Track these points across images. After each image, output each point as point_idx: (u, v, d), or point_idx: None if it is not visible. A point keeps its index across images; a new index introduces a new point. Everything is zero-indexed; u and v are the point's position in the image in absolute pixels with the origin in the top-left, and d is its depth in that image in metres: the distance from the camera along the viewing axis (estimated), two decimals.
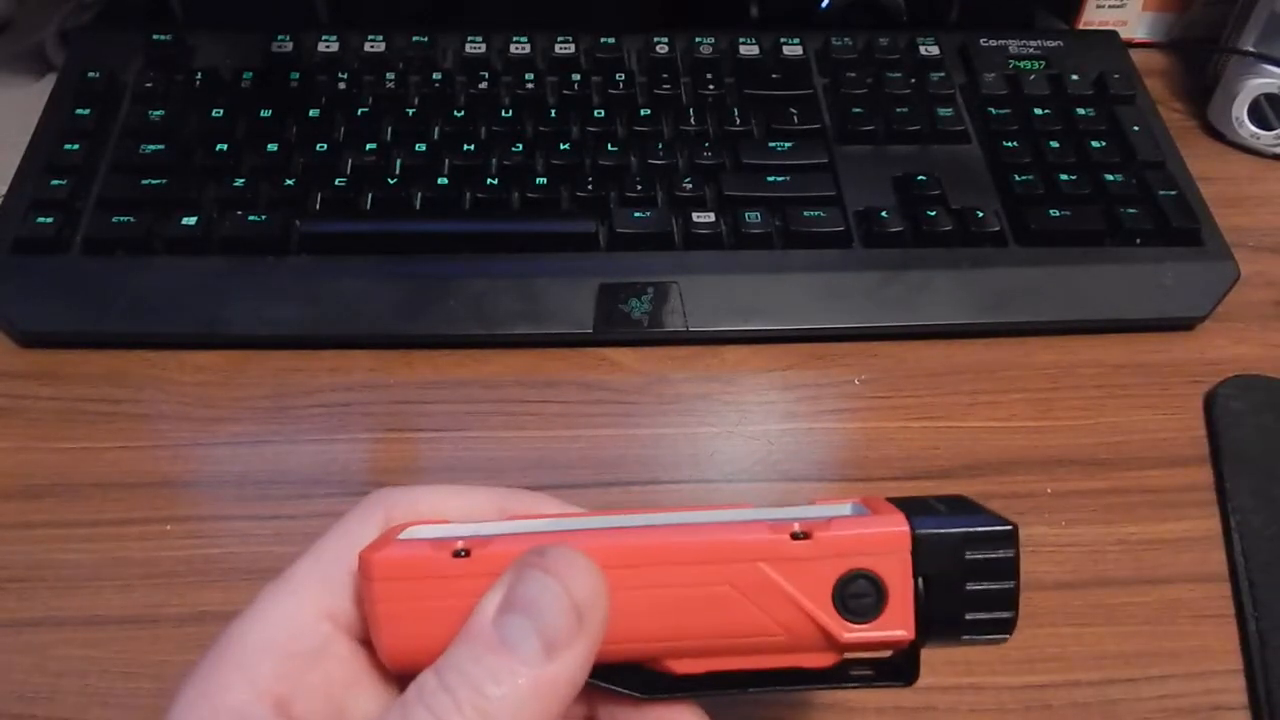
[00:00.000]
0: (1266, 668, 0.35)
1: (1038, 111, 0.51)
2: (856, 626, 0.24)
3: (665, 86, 0.51)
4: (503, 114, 0.49)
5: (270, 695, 0.23)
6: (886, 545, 0.24)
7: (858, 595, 0.24)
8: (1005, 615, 0.24)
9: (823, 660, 0.25)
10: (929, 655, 0.36)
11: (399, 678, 0.22)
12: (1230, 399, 0.43)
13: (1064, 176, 0.48)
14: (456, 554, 0.24)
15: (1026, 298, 0.46)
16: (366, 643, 0.25)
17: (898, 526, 0.24)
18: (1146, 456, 0.42)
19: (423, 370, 0.44)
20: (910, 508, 0.25)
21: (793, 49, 0.54)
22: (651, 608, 0.24)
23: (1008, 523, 0.24)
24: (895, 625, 0.24)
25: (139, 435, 0.41)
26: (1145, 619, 0.37)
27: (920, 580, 0.24)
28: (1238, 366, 0.45)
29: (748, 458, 0.42)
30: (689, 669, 0.25)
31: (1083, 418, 0.43)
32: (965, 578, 0.24)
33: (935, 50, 0.54)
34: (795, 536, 0.24)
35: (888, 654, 0.26)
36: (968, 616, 0.24)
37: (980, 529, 0.24)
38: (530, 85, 0.51)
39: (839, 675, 0.25)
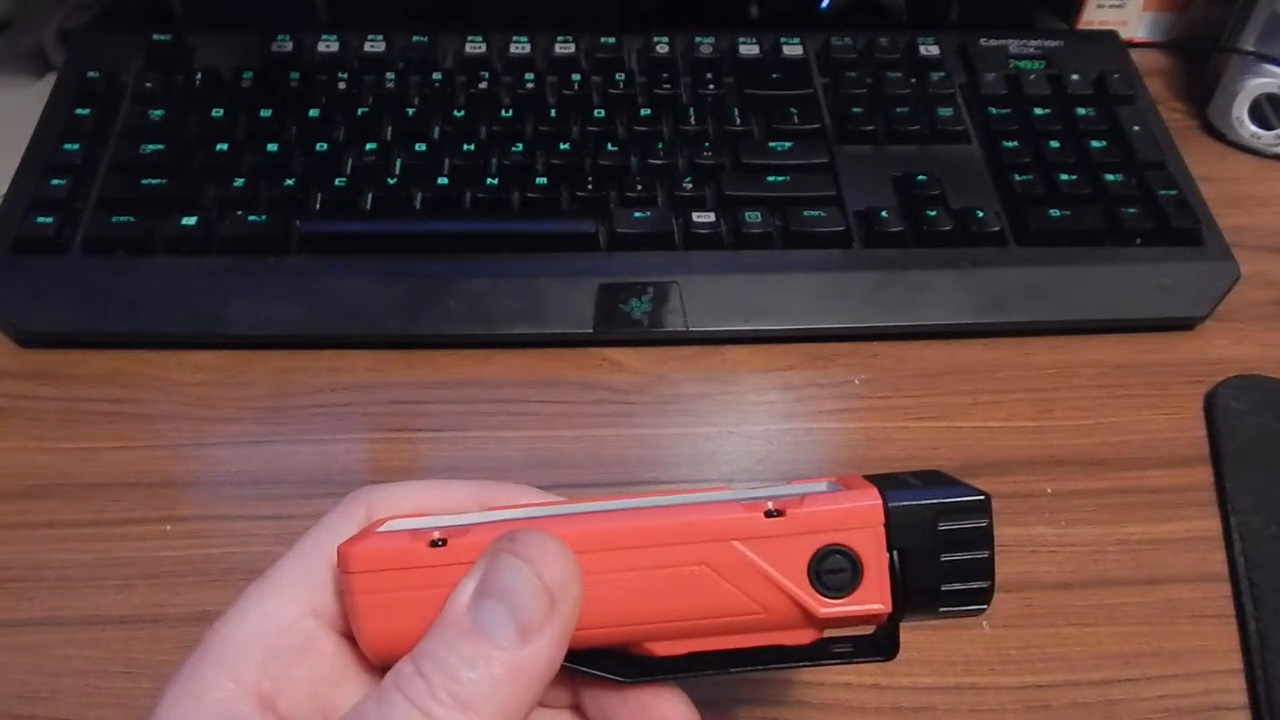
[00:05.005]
0: (1266, 668, 0.35)
1: (1038, 111, 0.51)
2: (833, 602, 0.24)
3: (665, 86, 0.51)
4: (503, 114, 0.49)
5: (255, 692, 0.23)
6: (860, 520, 0.24)
7: (833, 570, 0.24)
8: (981, 585, 0.24)
9: (802, 637, 0.25)
10: (930, 653, 0.36)
11: (383, 671, 0.23)
12: (1230, 399, 0.43)
13: (1064, 176, 0.48)
14: (433, 544, 0.24)
15: (1026, 298, 0.46)
16: (351, 638, 0.25)
17: (870, 500, 0.24)
18: (1146, 456, 0.42)
19: (423, 370, 0.44)
20: (883, 482, 0.25)
21: (793, 49, 0.54)
22: (629, 590, 0.24)
23: (980, 493, 0.25)
24: (872, 599, 0.24)
25: (139, 435, 0.41)
26: (1145, 619, 0.37)
27: (895, 554, 0.24)
28: (1238, 366, 0.45)
29: (748, 458, 0.42)
30: (670, 651, 0.25)
31: (1083, 418, 0.43)
32: (940, 549, 0.24)
33: (935, 50, 0.54)
34: (769, 514, 0.24)
35: (868, 630, 0.26)
36: (944, 588, 0.24)
37: (953, 500, 0.24)
38: (530, 85, 0.51)
39: (819, 652, 0.25)
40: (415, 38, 0.52)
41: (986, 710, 0.35)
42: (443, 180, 0.47)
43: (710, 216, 0.46)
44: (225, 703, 0.23)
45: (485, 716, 0.21)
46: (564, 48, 0.53)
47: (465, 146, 0.48)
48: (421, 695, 0.21)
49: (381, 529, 0.25)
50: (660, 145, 0.48)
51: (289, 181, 0.46)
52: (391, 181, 0.47)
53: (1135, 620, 0.37)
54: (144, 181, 0.46)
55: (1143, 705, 0.35)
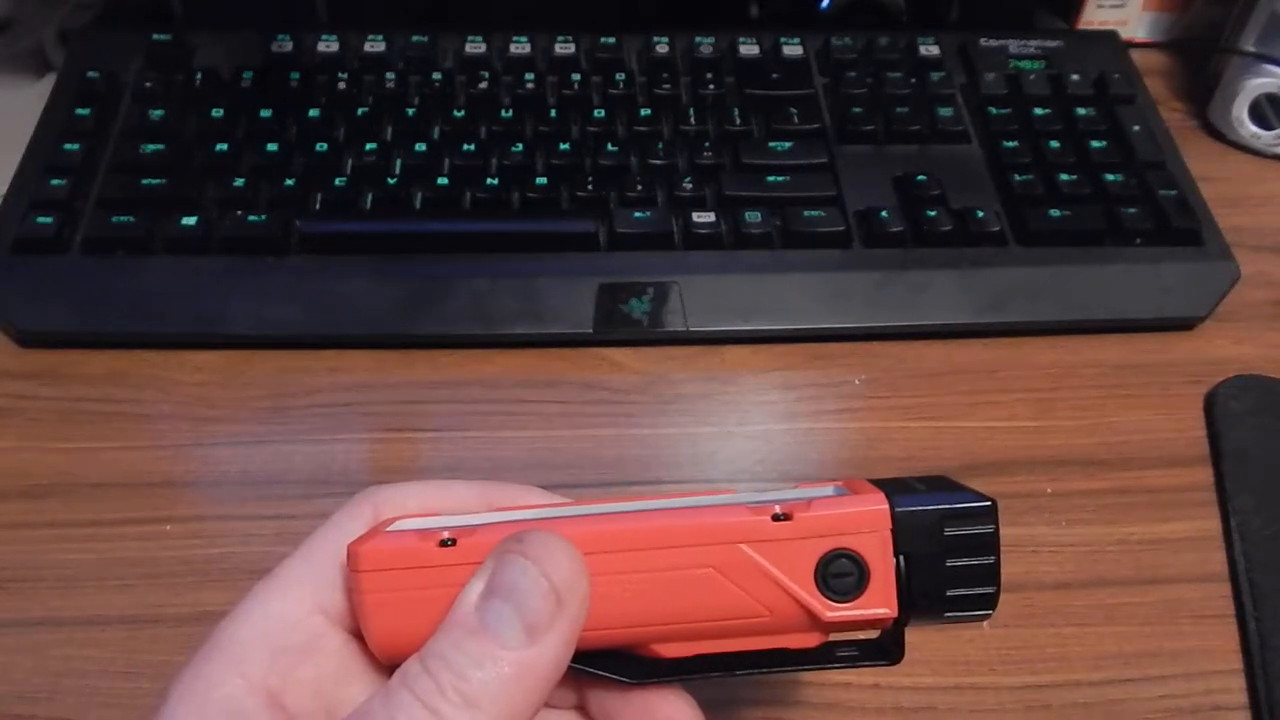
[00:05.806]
0: (1266, 668, 0.35)
1: (1038, 111, 0.51)
2: (839, 605, 0.24)
3: (665, 86, 0.51)
4: (503, 114, 0.49)
5: (262, 689, 0.23)
6: (866, 524, 0.24)
7: (839, 574, 0.24)
8: (987, 591, 0.24)
9: (808, 640, 0.25)
10: (930, 654, 0.36)
11: (390, 670, 0.23)
12: (1230, 399, 0.43)
13: (1064, 176, 0.48)
14: (442, 543, 0.24)
15: (1026, 298, 0.46)
16: (359, 636, 0.25)
17: (877, 505, 0.24)
18: (1146, 456, 0.42)
19: (423, 370, 0.44)
20: (890, 487, 0.25)
21: (793, 49, 0.54)
22: (635, 592, 0.24)
23: (987, 498, 0.25)
24: (877, 603, 0.24)
25: (139, 435, 0.41)
26: (1145, 619, 0.37)
27: (901, 558, 0.24)
28: (1238, 366, 0.45)
29: (748, 458, 0.42)
30: (676, 653, 0.25)
31: (1083, 418, 0.43)
32: (946, 554, 0.24)
33: (935, 50, 0.54)
34: (776, 518, 0.24)
35: (874, 634, 0.26)
36: (949, 593, 0.24)
37: (959, 505, 0.24)
38: (530, 85, 0.51)
39: (825, 655, 0.25)
40: (415, 38, 0.52)
41: (986, 710, 0.35)
42: (443, 180, 0.47)
43: (710, 216, 0.46)
44: (232, 699, 0.23)
45: (492, 715, 0.21)
46: (564, 48, 0.53)
47: (465, 146, 0.48)
48: (429, 693, 0.21)
49: (390, 528, 0.25)
50: (660, 145, 0.48)
51: (289, 181, 0.46)
52: (391, 181, 0.47)
53: (1135, 620, 0.37)
54: (144, 181, 0.46)
55: (1143, 705, 0.35)
